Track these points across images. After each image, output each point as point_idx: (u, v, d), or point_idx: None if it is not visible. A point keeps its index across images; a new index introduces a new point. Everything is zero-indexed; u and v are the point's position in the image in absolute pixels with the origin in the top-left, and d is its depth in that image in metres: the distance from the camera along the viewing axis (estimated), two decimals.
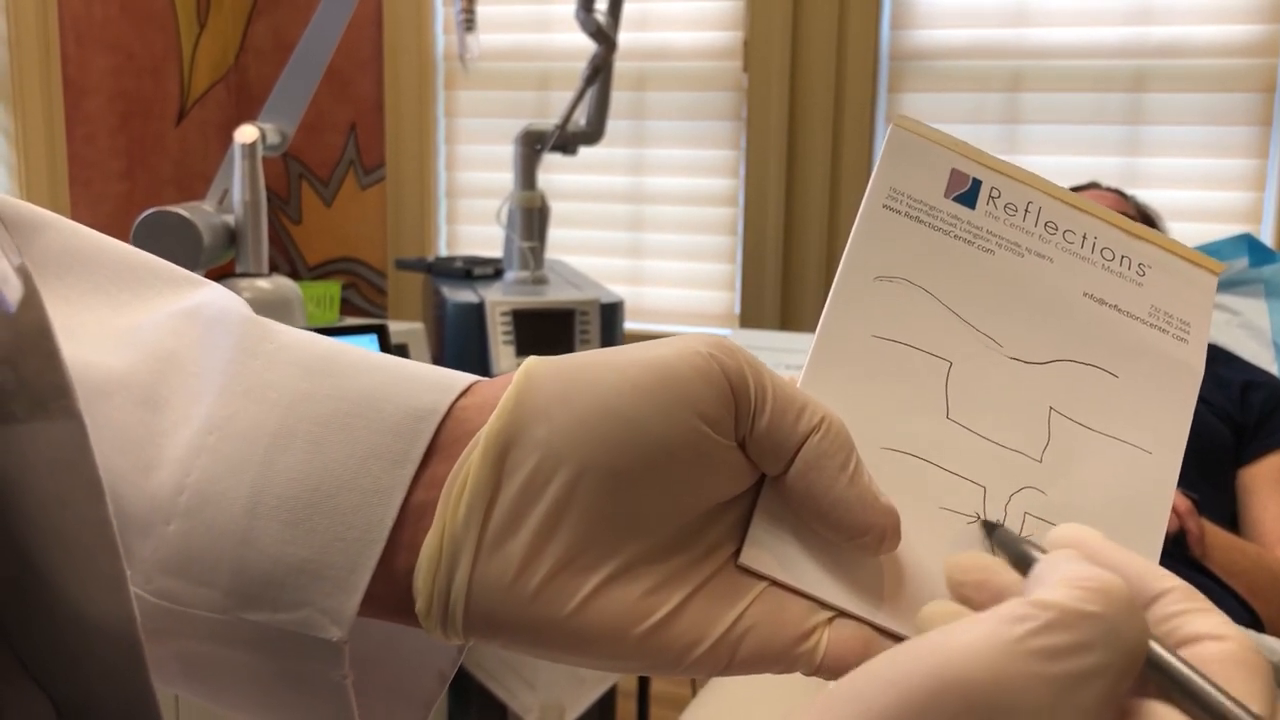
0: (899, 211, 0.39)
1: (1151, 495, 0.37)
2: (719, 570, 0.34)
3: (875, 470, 0.34)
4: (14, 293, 0.24)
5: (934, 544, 0.35)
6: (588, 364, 0.33)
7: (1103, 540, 0.30)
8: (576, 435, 0.32)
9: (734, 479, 0.34)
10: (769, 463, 0.34)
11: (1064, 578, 0.26)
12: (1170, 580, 0.28)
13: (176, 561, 0.32)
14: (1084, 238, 0.39)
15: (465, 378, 0.35)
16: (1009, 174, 0.39)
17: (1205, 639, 0.27)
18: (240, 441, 0.33)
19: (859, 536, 0.33)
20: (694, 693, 1.63)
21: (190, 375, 0.34)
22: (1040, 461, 0.37)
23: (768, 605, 0.34)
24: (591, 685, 1.77)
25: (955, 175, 0.39)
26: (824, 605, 0.34)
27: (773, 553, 0.34)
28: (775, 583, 0.34)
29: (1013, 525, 0.36)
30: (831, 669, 0.33)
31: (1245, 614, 1.34)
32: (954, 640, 0.25)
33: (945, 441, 0.36)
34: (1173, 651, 0.26)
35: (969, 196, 0.39)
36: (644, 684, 1.95)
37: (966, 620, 0.25)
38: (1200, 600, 0.28)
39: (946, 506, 0.36)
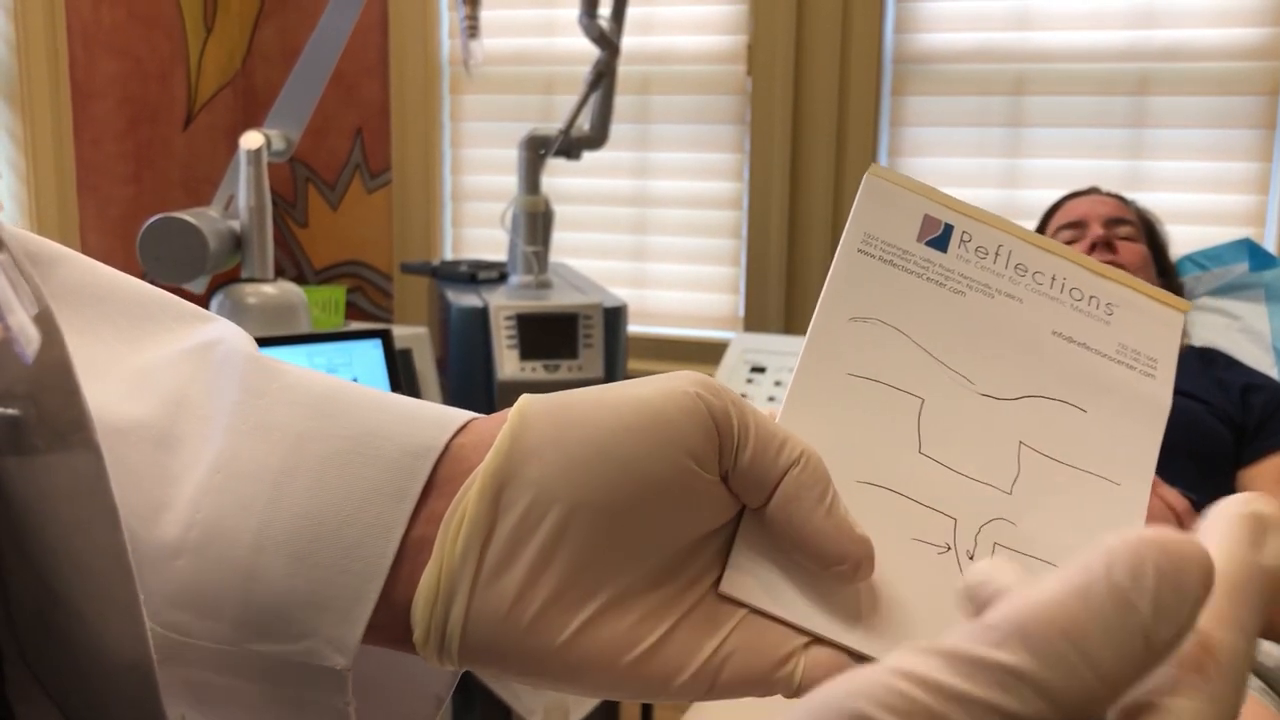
0: (873, 256, 0.40)
1: (1120, 525, 0.38)
2: (701, 599, 0.36)
3: (851, 503, 0.36)
4: (31, 344, 0.25)
5: (907, 573, 0.37)
6: (579, 403, 0.35)
7: (1015, 577, 0.31)
8: (569, 474, 0.34)
9: (717, 511, 0.36)
10: (751, 495, 0.36)
11: (1005, 608, 0.27)
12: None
13: (185, 595, 0.34)
14: (1053, 279, 0.41)
15: (462, 415, 0.36)
16: (980, 219, 0.41)
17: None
18: (246, 480, 0.34)
19: (836, 565, 0.35)
20: None
21: (202, 418, 0.36)
22: (1010, 494, 0.38)
23: (748, 632, 0.35)
24: None
25: (928, 221, 0.41)
26: (801, 631, 0.36)
27: (752, 581, 0.36)
28: (755, 610, 0.36)
29: (983, 555, 0.37)
30: (809, 692, 0.35)
31: None
32: (858, 674, 0.26)
33: (917, 475, 0.38)
34: None
35: (941, 241, 0.41)
36: None
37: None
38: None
39: (919, 537, 0.37)
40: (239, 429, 0.35)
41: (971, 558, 0.37)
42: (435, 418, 0.36)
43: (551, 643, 0.33)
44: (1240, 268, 1.90)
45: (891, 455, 0.38)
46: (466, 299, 1.88)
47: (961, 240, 0.40)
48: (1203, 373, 1.62)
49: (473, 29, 1.82)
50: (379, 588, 0.33)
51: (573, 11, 1.91)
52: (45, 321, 0.27)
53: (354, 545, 0.34)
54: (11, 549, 0.29)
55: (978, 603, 0.28)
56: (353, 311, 2.83)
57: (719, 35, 2.51)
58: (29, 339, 0.25)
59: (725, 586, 0.36)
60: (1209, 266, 1.95)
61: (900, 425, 0.39)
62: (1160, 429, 0.39)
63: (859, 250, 0.40)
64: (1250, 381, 1.60)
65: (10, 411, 0.27)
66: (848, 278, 0.40)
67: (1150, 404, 0.39)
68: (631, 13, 2.01)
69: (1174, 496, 1.37)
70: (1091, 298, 0.40)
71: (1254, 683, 1.15)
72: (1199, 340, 1.83)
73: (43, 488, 0.28)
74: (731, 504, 0.36)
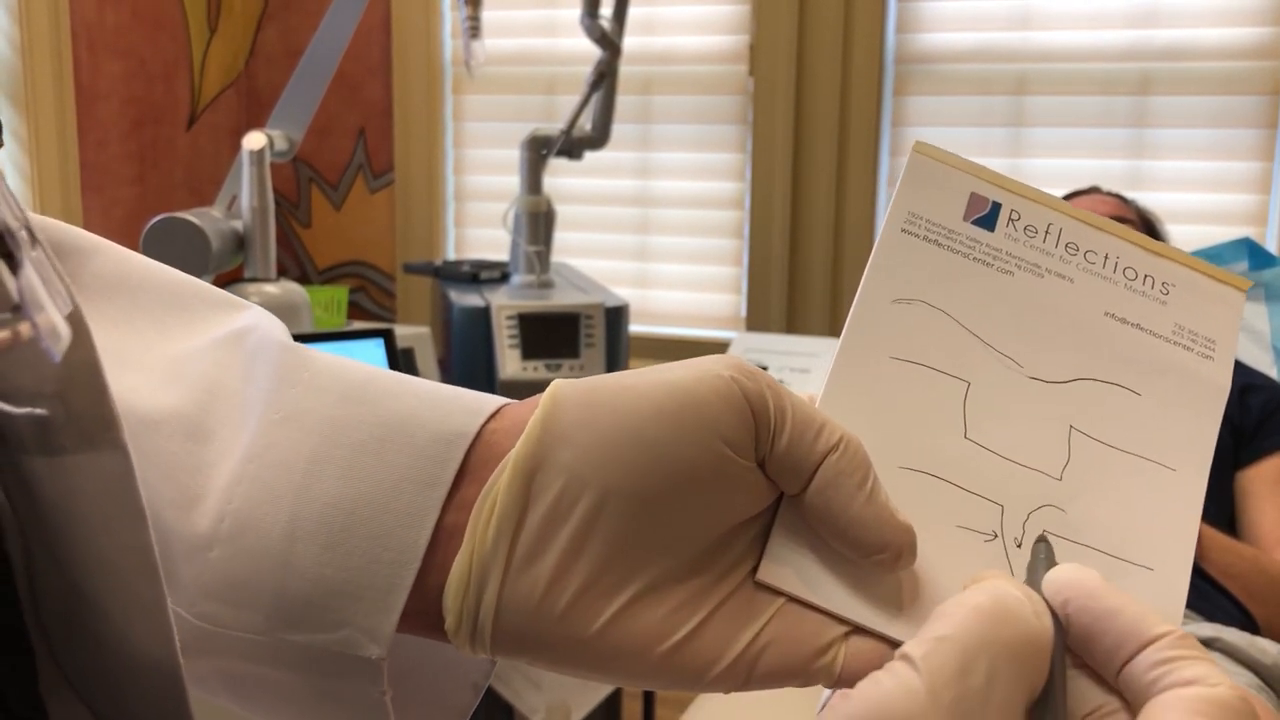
0: (917, 235, 0.39)
1: (1177, 513, 0.37)
2: (738, 587, 0.35)
3: (893, 489, 0.35)
4: (60, 343, 0.25)
5: (950, 561, 0.36)
6: (611, 387, 0.34)
7: (1099, 583, 0.31)
8: (601, 459, 0.33)
9: (753, 498, 0.35)
10: (788, 482, 0.35)
11: (955, 599, 0.30)
12: (1164, 625, 0.29)
13: (219, 586, 0.33)
14: (1106, 258, 0.39)
15: (494, 401, 0.36)
16: (1030, 196, 0.39)
17: (1196, 684, 0.27)
18: (278, 469, 0.34)
19: (876, 553, 0.34)
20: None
21: (234, 407, 0.36)
22: (1060, 480, 0.37)
23: (786, 621, 0.35)
24: (597, 686, 1.78)
25: (974, 199, 0.39)
26: (840, 620, 0.35)
27: (790, 569, 0.35)
28: (793, 598, 0.35)
29: (1031, 543, 0.36)
30: (850, 682, 0.34)
31: (1241, 617, 1.35)
32: (860, 693, 0.27)
33: (963, 460, 0.37)
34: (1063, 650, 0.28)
35: (988, 219, 0.39)
36: None
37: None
38: (1194, 647, 0.29)
39: (963, 524, 0.36)
40: (270, 418, 0.35)
41: (1019, 546, 0.36)
42: (468, 404, 0.35)
43: (585, 631, 0.33)
44: (1240, 267, 1.91)
45: (936, 440, 0.37)
46: (468, 299, 1.88)
47: (1010, 219, 0.39)
48: None
49: (474, 29, 1.83)
50: (412, 576, 0.33)
51: (574, 12, 1.92)
52: (75, 322, 0.27)
53: (386, 534, 0.33)
54: (40, 548, 0.29)
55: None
56: (356, 311, 2.83)
57: (721, 35, 2.51)
58: (57, 337, 0.25)
59: (762, 574, 0.35)
60: None
61: (945, 409, 0.37)
62: (1219, 412, 0.38)
63: (903, 230, 0.39)
64: (1248, 382, 1.60)
65: (39, 411, 0.27)
66: (891, 258, 0.39)
67: (1208, 386, 0.38)
68: (633, 13, 2.01)
69: None
70: (1147, 277, 0.39)
71: (1251, 679, 1.15)
72: None
73: (70, 487, 0.28)
74: (769, 490, 0.35)
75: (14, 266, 0.24)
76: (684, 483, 0.33)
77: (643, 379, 0.34)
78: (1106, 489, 0.37)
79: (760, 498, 0.35)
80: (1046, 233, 0.39)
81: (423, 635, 0.35)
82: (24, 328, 0.24)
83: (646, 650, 0.33)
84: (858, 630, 0.35)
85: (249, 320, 0.38)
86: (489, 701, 1.78)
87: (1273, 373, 1.74)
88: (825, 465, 0.34)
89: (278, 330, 0.38)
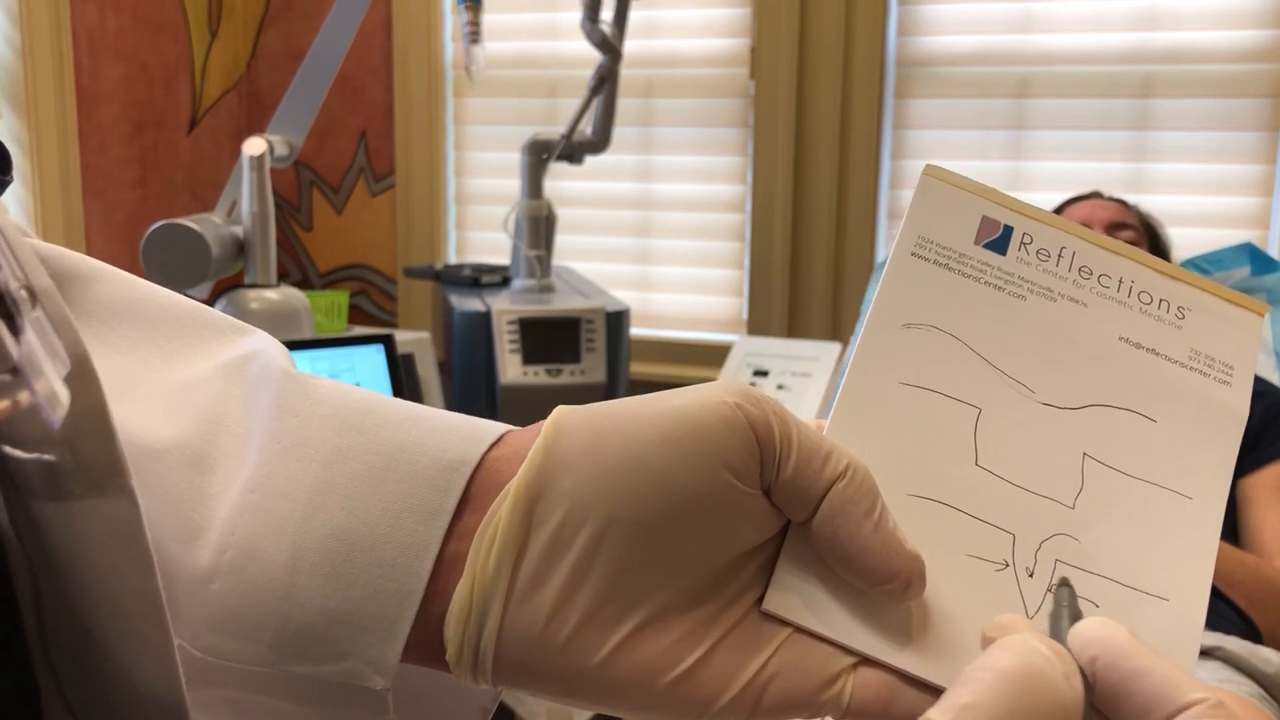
0: (928, 259, 0.38)
1: (1193, 541, 0.36)
2: (744, 617, 0.35)
3: (902, 517, 0.34)
4: (59, 409, 0.25)
5: (961, 591, 0.35)
6: (615, 414, 0.34)
7: (1128, 640, 0.29)
8: (604, 487, 0.33)
9: (759, 526, 0.35)
10: (794, 510, 0.34)
11: (978, 664, 0.28)
12: (1200, 691, 0.28)
13: (222, 618, 0.33)
14: (1120, 282, 0.38)
15: (496, 428, 0.35)
16: (1042, 219, 0.39)
17: None
18: (280, 499, 0.34)
19: (884, 583, 0.34)
20: None
21: (237, 437, 0.35)
22: (1073, 508, 0.36)
23: (792, 652, 0.34)
24: None
25: (986, 222, 0.39)
26: (848, 651, 0.34)
27: (797, 598, 0.34)
28: (799, 629, 0.34)
29: (1044, 572, 0.35)
30: (858, 714, 0.34)
31: (1243, 625, 1.34)
32: None
33: (973, 488, 0.36)
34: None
35: (1000, 243, 0.39)
36: None
37: None
38: (1227, 717, 0.28)
39: (974, 554, 0.35)
40: (272, 447, 0.35)
41: (1031, 575, 0.35)
42: (469, 431, 0.35)
43: (588, 662, 0.33)
44: (1242, 272, 1.90)
45: (946, 468, 0.36)
46: (469, 303, 1.88)
47: (1022, 242, 0.38)
48: None
49: (474, 34, 1.83)
50: (416, 606, 0.33)
51: (575, 16, 1.91)
52: (81, 369, 0.27)
53: (389, 564, 0.33)
54: (50, 588, 0.29)
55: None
56: (357, 315, 2.83)
57: (722, 39, 2.51)
58: (56, 403, 0.25)
59: (768, 604, 0.34)
60: (1210, 270, 1.95)
61: (956, 436, 0.37)
62: (1237, 439, 0.37)
63: (913, 254, 0.38)
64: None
65: (47, 457, 0.27)
66: (901, 282, 0.38)
67: (1225, 413, 0.37)
68: (634, 17, 2.01)
69: None
70: (1162, 301, 0.38)
71: (1253, 689, 1.15)
72: None
73: (79, 532, 0.28)
74: (775, 519, 0.35)
75: (15, 329, 0.24)
76: (688, 511, 0.33)
77: (646, 406, 0.34)
78: (1120, 517, 0.36)
79: (766, 526, 0.35)
80: (1060, 256, 0.39)
81: (425, 665, 0.34)
82: (23, 396, 0.24)
83: (650, 681, 0.33)
84: (866, 661, 0.34)
85: (252, 346, 0.38)
86: None
87: (1275, 379, 1.74)
88: (832, 493, 0.33)
89: (280, 357, 0.38)
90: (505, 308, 1.80)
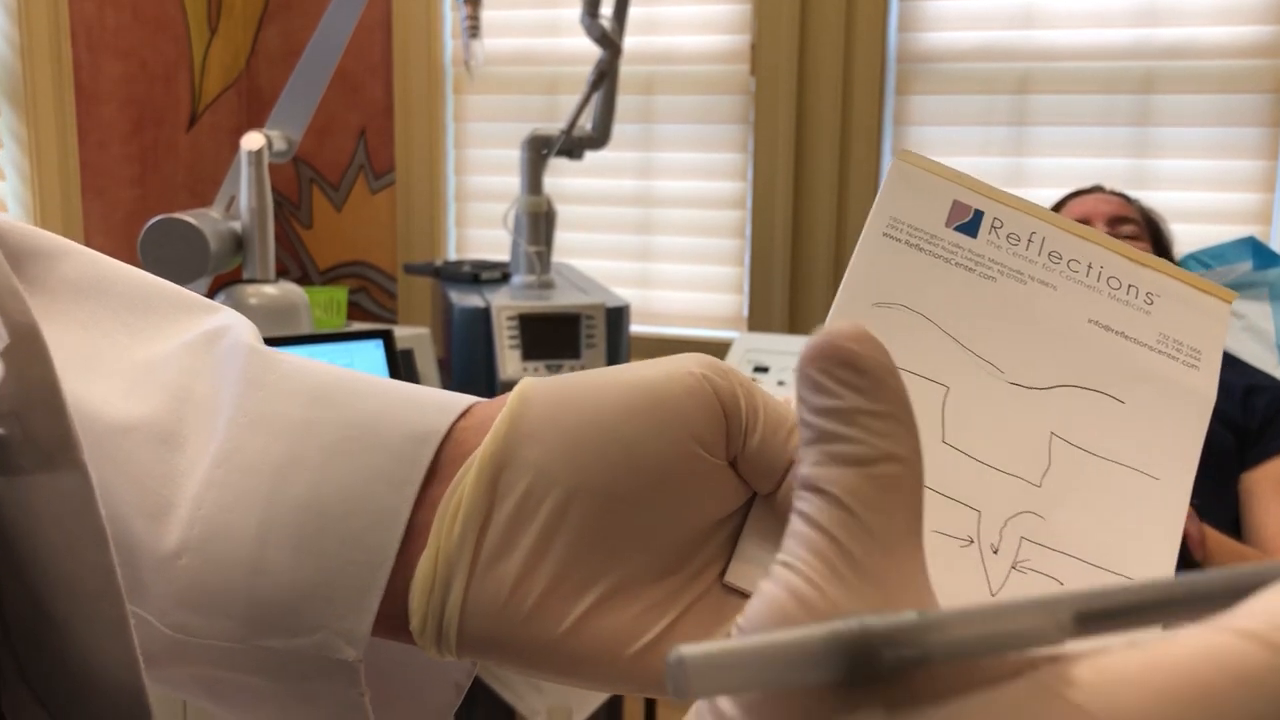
0: (899, 239, 0.39)
1: (1159, 522, 0.36)
2: (709, 589, 0.34)
3: None
4: None
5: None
6: (581, 385, 0.34)
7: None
8: (568, 457, 0.33)
9: (725, 498, 0.34)
10: (760, 481, 0.34)
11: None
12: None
13: (190, 594, 0.33)
14: (1089, 267, 0.39)
15: (464, 399, 0.35)
16: (1013, 205, 0.39)
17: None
18: (247, 473, 0.34)
19: None
20: None
21: (206, 413, 0.35)
22: (1039, 486, 0.36)
23: None
24: None
25: (957, 206, 0.39)
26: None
27: (761, 571, 0.34)
28: None
29: (1008, 550, 0.35)
30: None
31: None
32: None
33: (939, 465, 0.36)
34: None
35: (970, 226, 0.39)
36: None
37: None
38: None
39: (939, 530, 0.35)
40: (239, 422, 0.34)
41: (996, 552, 0.35)
42: (438, 402, 0.35)
43: (552, 632, 0.32)
44: (1244, 266, 1.90)
45: None
46: (469, 299, 1.88)
47: (992, 226, 0.39)
48: None
49: (474, 29, 1.82)
50: (385, 577, 0.33)
51: (575, 11, 1.91)
52: (29, 341, 0.26)
53: (358, 535, 0.33)
54: (6, 570, 0.28)
55: None
56: (357, 312, 2.83)
57: (722, 35, 2.51)
58: None
59: (730, 576, 0.34)
60: (1212, 265, 1.95)
61: (923, 413, 0.35)
62: (1204, 422, 0.37)
63: (884, 234, 0.39)
64: (1253, 383, 1.60)
65: None
66: (871, 262, 0.38)
67: (1193, 396, 0.37)
68: (634, 12, 2.01)
69: None
70: (1131, 286, 0.38)
71: None
72: None
73: (31, 508, 0.28)
74: (741, 491, 0.35)
75: None
76: (653, 481, 0.33)
77: (613, 377, 0.34)
78: (1087, 496, 0.36)
79: (732, 498, 0.35)
80: (1030, 241, 0.39)
81: (395, 638, 0.34)
82: None
83: (615, 652, 0.33)
84: None
85: (219, 323, 0.38)
86: (490, 703, 1.77)
87: (1278, 373, 1.73)
88: None
89: (248, 333, 0.37)
90: (505, 304, 1.79)
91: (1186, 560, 1.36)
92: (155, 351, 0.37)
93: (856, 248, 0.39)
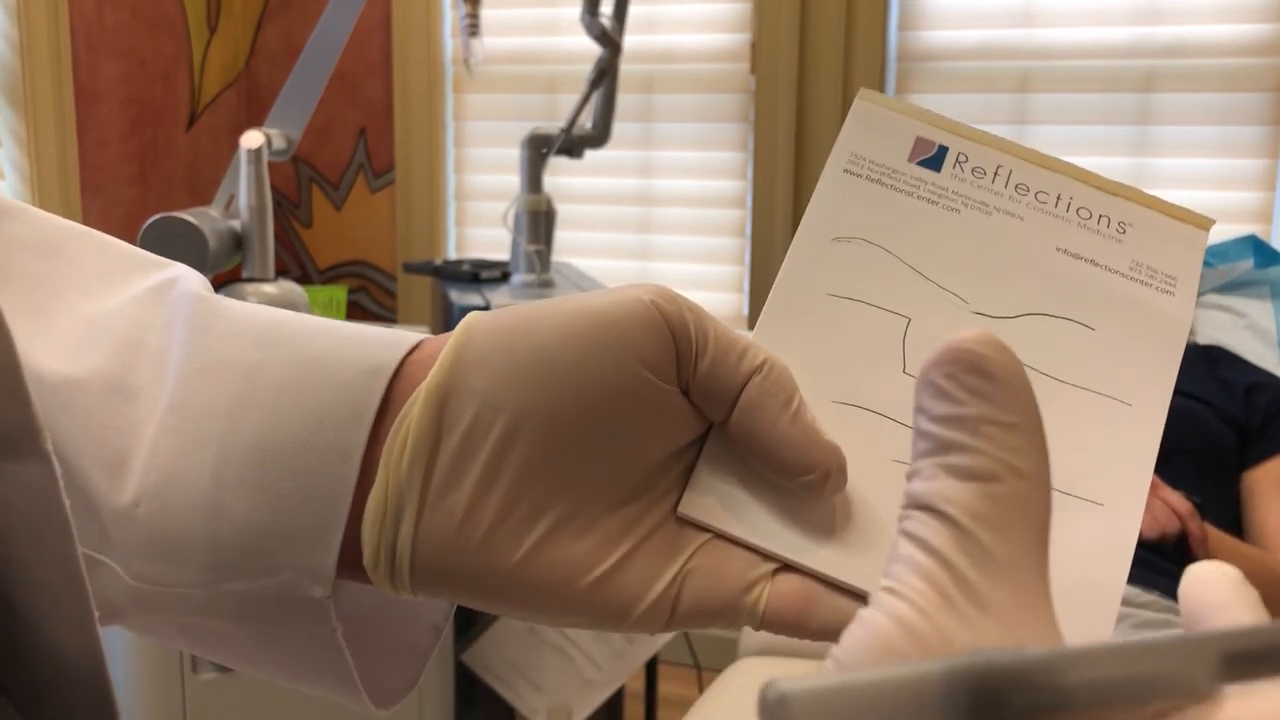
0: (859, 175, 0.38)
1: (1131, 448, 0.35)
2: (664, 521, 0.34)
3: (825, 423, 0.34)
4: None
5: (884, 495, 0.34)
6: (527, 314, 0.33)
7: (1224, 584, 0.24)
8: (514, 383, 0.32)
9: (680, 427, 0.34)
10: (712, 407, 0.34)
11: None
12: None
13: (151, 543, 0.33)
14: (1058, 198, 0.38)
15: (414, 336, 0.35)
16: (978, 139, 0.38)
17: None
18: (200, 417, 0.33)
19: (803, 474, 0.33)
20: (700, 692, 1.63)
21: (158, 362, 0.35)
22: None
23: (710, 557, 0.34)
24: (599, 687, 1.77)
25: (920, 142, 0.39)
26: (766, 555, 0.34)
27: (715, 503, 0.34)
28: (714, 531, 0.34)
29: None
30: (774, 623, 0.33)
31: None
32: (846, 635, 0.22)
33: (900, 395, 0.36)
34: None
35: (934, 161, 0.38)
36: (651, 686, 1.95)
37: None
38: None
39: (899, 459, 0.35)
40: (188, 368, 0.34)
41: None
42: (387, 339, 0.35)
43: (505, 562, 0.32)
44: (1245, 264, 1.90)
45: (872, 375, 0.36)
46: (469, 298, 1.87)
47: (957, 161, 0.38)
48: (1206, 373, 1.61)
49: (473, 27, 1.82)
50: (345, 511, 0.32)
51: (575, 10, 1.91)
52: None
53: (313, 471, 0.32)
54: None
55: (1191, 611, 0.23)
56: (357, 311, 2.83)
57: (722, 33, 2.50)
58: None
59: (684, 508, 0.34)
60: (1214, 263, 1.94)
61: (883, 345, 0.36)
62: (1179, 347, 0.36)
63: (845, 170, 0.38)
64: (1254, 381, 1.59)
65: None
66: (831, 197, 0.38)
67: (1168, 321, 0.37)
68: (634, 11, 2.01)
69: (1177, 499, 1.36)
70: (1102, 216, 0.38)
71: None
72: (1203, 337, 1.82)
73: None
74: (696, 421, 0.34)
75: None
76: (602, 406, 0.32)
77: (559, 305, 0.34)
78: (1056, 424, 0.35)
79: (688, 427, 0.34)
80: (995, 175, 0.38)
81: (362, 580, 0.34)
82: None
83: (569, 583, 0.33)
84: (786, 569, 0.34)
85: (169, 275, 0.38)
86: (490, 703, 1.77)
87: (1279, 371, 1.73)
88: (749, 387, 0.33)
89: (196, 283, 0.37)
90: (505, 303, 1.79)
91: (1188, 558, 1.36)
92: (106, 307, 0.36)
93: (817, 185, 0.38)
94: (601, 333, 0.32)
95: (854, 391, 0.36)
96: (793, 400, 0.33)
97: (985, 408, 0.22)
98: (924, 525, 0.21)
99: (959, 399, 0.22)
